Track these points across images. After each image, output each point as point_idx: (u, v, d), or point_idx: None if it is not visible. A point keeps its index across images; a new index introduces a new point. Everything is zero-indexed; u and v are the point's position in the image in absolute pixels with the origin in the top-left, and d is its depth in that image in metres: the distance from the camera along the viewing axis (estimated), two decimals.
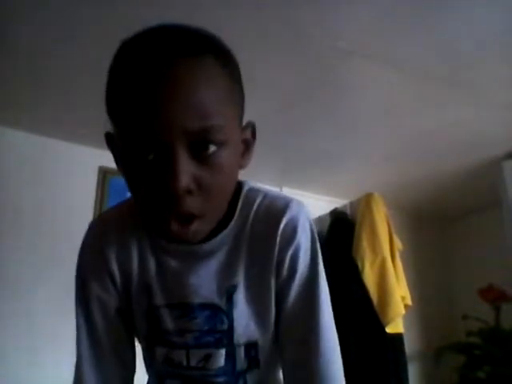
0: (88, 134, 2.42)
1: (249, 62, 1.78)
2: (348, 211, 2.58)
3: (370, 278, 2.28)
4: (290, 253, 0.64)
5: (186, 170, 0.51)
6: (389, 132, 2.36)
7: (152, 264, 0.66)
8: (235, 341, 0.66)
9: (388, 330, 2.24)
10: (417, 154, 2.62)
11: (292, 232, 0.65)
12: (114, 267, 0.68)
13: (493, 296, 2.73)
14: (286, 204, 0.67)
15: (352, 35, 1.64)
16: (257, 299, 0.66)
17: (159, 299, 0.66)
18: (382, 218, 2.42)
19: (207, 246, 0.64)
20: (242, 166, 0.66)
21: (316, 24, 1.58)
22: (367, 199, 2.44)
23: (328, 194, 3.14)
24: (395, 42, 1.67)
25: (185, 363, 0.67)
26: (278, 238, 0.64)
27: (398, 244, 2.48)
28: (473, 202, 3.31)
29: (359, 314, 2.26)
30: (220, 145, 0.54)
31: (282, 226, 0.65)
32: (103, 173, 2.53)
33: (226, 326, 0.65)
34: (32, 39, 1.67)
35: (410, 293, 2.42)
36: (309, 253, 0.66)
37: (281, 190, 3.00)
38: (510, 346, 2.61)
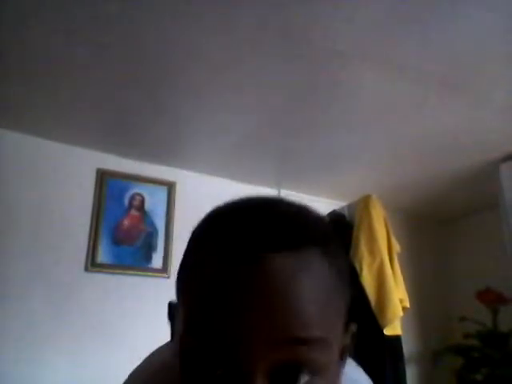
0: (86, 136, 2.42)
1: (248, 64, 1.78)
2: (346, 213, 2.58)
3: (368, 280, 2.28)
4: None
5: None
6: (387, 134, 2.36)
7: None
8: None
9: (386, 332, 2.24)
10: (415, 156, 2.62)
11: None
12: None
13: (490, 298, 2.74)
14: None
15: (351, 37, 1.64)
16: None
17: None
18: (380, 220, 2.42)
19: None
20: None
21: (314, 27, 1.58)
22: (365, 201, 2.44)
23: (326, 195, 3.15)
24: (394, 43, 1.67)
25: None
26: None
27: (396, 246, 2.48)
28: (471, 204, 3.32)
29: (357, 315, 2.26)
30: (316, 371, 0.39)
31: None
32: (101, 174, 2.53)
33: None
34: (31, 42, 1.66)
35: (408, 295, 2.42)
36: None
37: (279, 192, 3.00)
38: (508, 348, 2.61)
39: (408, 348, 2.68)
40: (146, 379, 0.60)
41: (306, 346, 0.38)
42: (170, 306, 0.52)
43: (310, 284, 0.39)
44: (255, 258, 0.39)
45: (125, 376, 0.63)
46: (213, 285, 0.40)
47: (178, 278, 0.46)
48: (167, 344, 0.61)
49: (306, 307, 0.38)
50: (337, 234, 0.47)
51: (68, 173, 2.45)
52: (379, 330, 2.23)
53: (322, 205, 2.91)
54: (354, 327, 0.51)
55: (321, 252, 0.41)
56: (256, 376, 0.37)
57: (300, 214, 0.44)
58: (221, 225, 0.43)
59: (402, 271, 2.44)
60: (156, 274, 2.54)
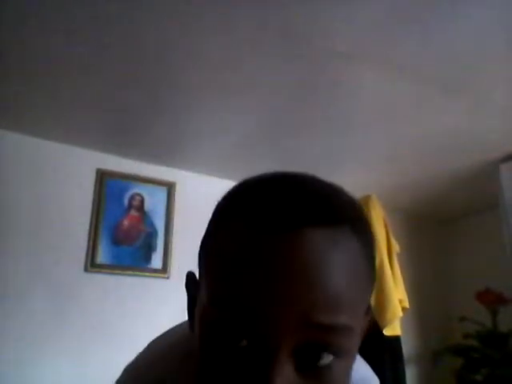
0: (86, 136, 2.42)
1: (248, 64, 1.78)
2: None
3: None
4: None
5: (286, 381, 0.36)
6: (387, 134, 2.36)
7: None
8: None
9: (386, 332, 2.24)
10: (415, 156, 2.62)
11: None
12: None
13: (490, 299, 2.74)
14: None
15: (351, 37, 1.64)
16: None
17: None
18: (379, 220, 2.42)
19: None
20: None
21: (314, 27, 1.58)
22: (365, 201, 2.44)
23: None
24: (394, 43, 1.67)
25: None
26: None
27: (396, 246, 2.48)
28: (471, 204, 3.32)
29: None
30: (340, 354, 0.38)
31: None
32: (101, 175, 2.53)
33: None
34: (31, 43, 1.66)
35: (408, 295, 2.42)
36: None
37: None
38: (507, 349, 2.61)
39: (408, 348, 2.68)
40: (164, 350, 0.59)
41: (332, 331, 0.37)
42: (189, 276, 0.50)
43: (342, 264, 0.38)
44: (290, 229, 0.37)
45: None
46: (242, 254, 0.38)
47: (201, 247, 0.45)
48: (183, 322, 0.60)
49: (337, 289, 0.37)
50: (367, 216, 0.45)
51: (68, 173, 2.45)
52: (379, 330, 2.23)
53: None
54: (371, 313, 0.49)
55: (354, 232, 0.40)
56: (281, 352, 0.36)
57: (336, 192, 0.43)
58: (253, 194, 0.41)
59: (401, 271, 2.44)
60: (155, 275, 2.54)
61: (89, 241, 2.41)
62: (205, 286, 0.42)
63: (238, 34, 1.62)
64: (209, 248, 0.43)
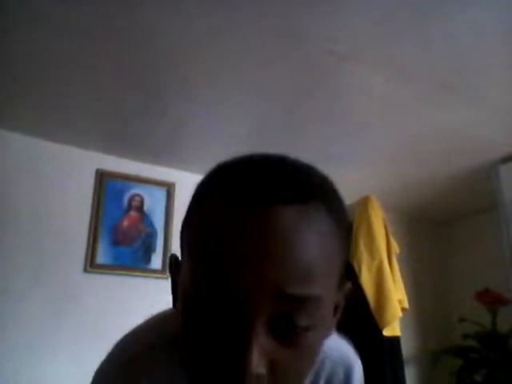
0: (85, 137, 2.42)
1: (248, 64, 1.79)
2: None
3: (366, 281, 2.28)
4: None
5: (262, 349, 0.38)
6: (386, 135, 2.36)
7: None
8: None
9: (385, 333, 2.24)
10: (414, 157, 2.62)
11: None
12: None
13: (489, 300, 2.74)
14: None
15: (350, 38, 1.64)
16: None
17: None
18: (378, 221, 2.42)
19: None
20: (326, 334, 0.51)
21: (314, 27, 1.58)
22: (364, 202, 2.45)
23: None
24: (393, 44, 1.67)
25: None
26: None
27: (395, 247, 2.48)
28: (470, 205, 3.32)
29: (356, 316, 2.26)
30: (312, 324, 0.41)
31: None
32: (100, 175, 2.53)
33: None
34: (31, 43, 1.66)
35: (407, 296, 2.42)
36: None
37: None
38: (507, 350, 2.61)
39: (407, 349, 2.68)
40: (150, 329, 0.62)
41: (304, 302, 0.39)
42: (172, 258, 0.52)
43: (314, 239, 0.40)
44: (262, 204, 0.39)
45: None
46: (215, 229, 0.40)
47: (182, 229, 0.47)
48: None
49: (309, 262, 0.39)
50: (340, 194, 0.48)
51: (68, 173, 2.45)
52: (378, 330, 2.23)
53: None
54: (348, 285, 0.52)
55: (327, 209, 0.42)
56: (257, 323, 0.38)
57: (308, 171, 0.46)
58: (229, 175, 0.43)
59: (401, 272, 2.44)
60: (155, 275, 2.53)
61: (88, 241, 2.41)
62: (185, 264, 0.44)
63: (238, 34, 1.63)
64: (187, 226, 0.46)
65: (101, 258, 2.42)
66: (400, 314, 2.28)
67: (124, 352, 0.60)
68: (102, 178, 2.53)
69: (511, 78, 1.89)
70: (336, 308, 0.50)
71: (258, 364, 0.38)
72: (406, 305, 2.38)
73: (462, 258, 3.56)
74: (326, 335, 0.46)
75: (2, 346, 2.08)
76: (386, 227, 2.46)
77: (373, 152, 2.57)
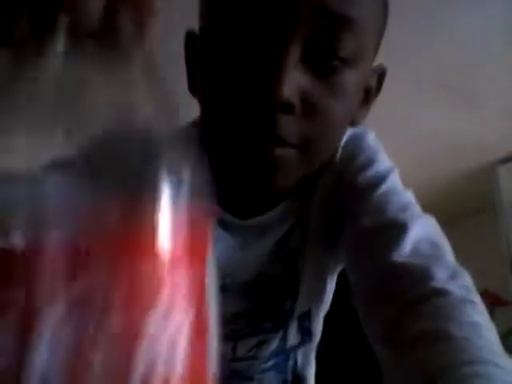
0: None
1: None
2: None
3: None
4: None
5: (293, 78, 0.35)
6: (385, 136, 2.34)
7: None
8: (293, 315, 0.54)
9: None
10: (413, 158, 2.62)
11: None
12: None
13: (487, 300, 2.72)
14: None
15: None
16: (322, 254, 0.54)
17: None
18: None
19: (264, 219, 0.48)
20: (354, 121, 0.51)
21: None
22: None
23: None
24: (393, 45, 1.67)
25: (230, 355, 0.51)
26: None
27: None
28: (469, 206, 3.31)
29: (357, 316, 2.26)
30: (349, 58, 0.38)
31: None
32: None
33: (288, 305, 0.53)
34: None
35: None
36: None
37: None
38: (504, 350, 2.61)
39: None
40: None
41: (345, 24, 0.36)
42: (187, 34, 0.50)
43: None
44: None
45: None
46: None
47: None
48: None
49: None
50: None
51: None
52: None
53: None
54: (382, 68, 0.50)
55: None
56: (294, 41, 0.35)
57: None
58: None
59: None
60: None
61: None
62: (207, 17, 0.43)
63: None
64: None
65: None
66: None
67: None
68: None
69: (511, 79, 1.89)
70: (367, 96, 0.49)
71: (290, 91, 0.35)
72: None
73: (460, 258, 3.54)
74: (362, 79, 0.42)
75: None
76: None
77: None
